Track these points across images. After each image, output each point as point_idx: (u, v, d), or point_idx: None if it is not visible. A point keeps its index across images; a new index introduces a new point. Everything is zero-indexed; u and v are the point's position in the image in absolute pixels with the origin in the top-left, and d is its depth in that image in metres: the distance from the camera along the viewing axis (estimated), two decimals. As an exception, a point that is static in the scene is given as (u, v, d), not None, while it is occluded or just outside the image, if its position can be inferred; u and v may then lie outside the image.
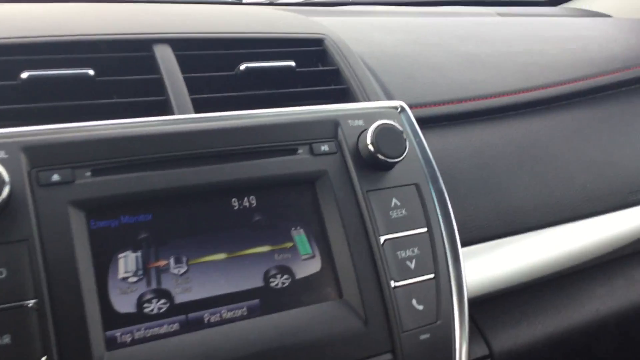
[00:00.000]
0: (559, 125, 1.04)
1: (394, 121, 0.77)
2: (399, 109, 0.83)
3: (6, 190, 0.57)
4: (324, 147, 0.76)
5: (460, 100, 0.96)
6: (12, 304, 0.57)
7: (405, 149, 0.76)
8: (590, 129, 1.07)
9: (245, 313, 0.68)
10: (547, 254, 0.95)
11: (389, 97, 0.92)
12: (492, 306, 0.94)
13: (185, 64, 0.79)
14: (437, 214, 0.79)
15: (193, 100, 0.76)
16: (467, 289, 0.78)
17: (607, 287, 1.06)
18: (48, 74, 0.72)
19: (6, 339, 0.56)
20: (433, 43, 1.08)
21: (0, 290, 0.57)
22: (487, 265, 0.90)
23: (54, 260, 0.60)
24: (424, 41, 1.08)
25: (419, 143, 0.82)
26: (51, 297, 0.59)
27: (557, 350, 0.98)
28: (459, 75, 1.00)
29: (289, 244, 0.72)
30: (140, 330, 0.63)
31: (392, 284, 0.73)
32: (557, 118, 1.05)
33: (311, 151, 0.75)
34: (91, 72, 0.74)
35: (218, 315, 0.67)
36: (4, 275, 0.57)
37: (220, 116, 0.72)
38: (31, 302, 0.57)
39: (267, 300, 0.69)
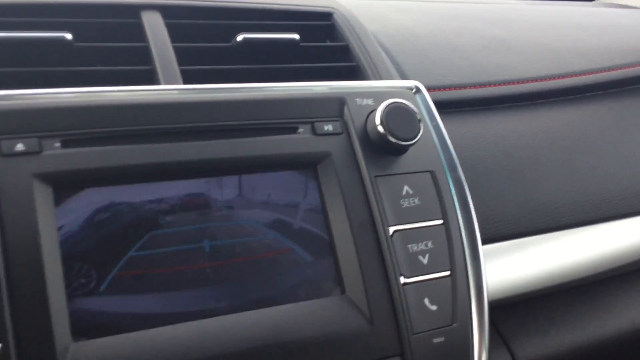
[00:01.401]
0: (594, 116, 0.95)
1: (406, 101, 0.69)
2: (414, 89, 0.76)
3: (-39, 159, 0.50)
4: (328, 127, 0.68)
5: (483, 85, 0.87)
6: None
7: (419, 131, 0.68)
8: (628, 121, 0.97)
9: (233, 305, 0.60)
10: (578, 256, 0.85)
11: (404, 78, 0.84)
12: (515, 312, 0.85)
13: (176, 33, 0.72)
14: (454, 205, 0.71)
15: (182, 72, 0.69)
16: (487, 290, 0.69)
17: (646, 295, 0.96)
18: (14, 36, 0.65)
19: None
20: (455, 25, 0.99)
21: None
22: (511, 265, 0.81)
23: (14, 240, 0.53)
24: (445, 23, 1.00)
25: (436, 127, 0.74)
26: (9, 279, 0.52)
27: (588, 363, 0.89)
28: (483, 59, 0.92)
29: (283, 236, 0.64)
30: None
31: (402, 280, 0.65)
32: (591, 108, 0.96)
33: (313, 130, 0.68)
34: (68, 36, 0.67)
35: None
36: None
37: (210, 88, 0.65)
38: (-16, 285, 0.51)
39: (258, 293, 0.61)
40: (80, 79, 0.66)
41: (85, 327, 0.54)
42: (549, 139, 0.89)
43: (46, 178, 0.56)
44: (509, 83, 0.89)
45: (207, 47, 0.74)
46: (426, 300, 0.66)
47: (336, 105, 0.69)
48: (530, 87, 0.91)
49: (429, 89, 0.77)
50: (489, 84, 0.88)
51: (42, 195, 0.55)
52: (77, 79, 0.65)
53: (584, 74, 0.96)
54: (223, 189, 0.63)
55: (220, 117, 0.64)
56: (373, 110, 0.69)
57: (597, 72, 0.98)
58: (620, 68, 0.99)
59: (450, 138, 0.74)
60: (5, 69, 0.65)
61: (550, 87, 0.93)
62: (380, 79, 0.79)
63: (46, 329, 0.52)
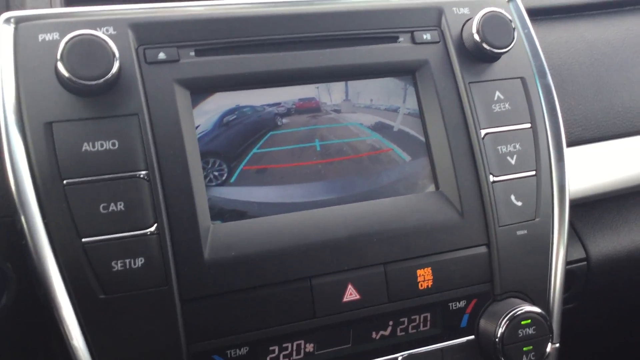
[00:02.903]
0: (683, 22, 0.96)
1: (502, 10, 0.73)
2: (508, -2, 0.79)
3: (116, 65, 0.59)
4: (427, 36, 0.73)
5: (573, -9, 0.90)
6: (125, 174, 0.59)
7: (513, 40, 0.72)
8: None
9: (340, 197, 0.69)
10: (657, 159, 0.90)
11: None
12: (591, 211, 0.91)
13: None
14: (542, 110, 0.76)
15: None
16: (568, 190, 0.75)
17: None
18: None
19: (120, 206, 0.59)
20: None
21: (114, 161, 0.59)
22: (592, 167, 0.86)
23: (162, 137, 0.62)
24: None
25: (528, 35, 0.78)
26: (160, 170, 0.61)
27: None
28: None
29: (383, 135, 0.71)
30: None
31: (491, 178, 0.71)
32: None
33: (413, 39, 0.73)
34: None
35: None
36: (116, 147, 0.59)
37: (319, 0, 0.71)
38: (142, 173, 0.60)
39: (362, 188, 0.69)
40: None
41: (220, 212, 0.64)
42: (636, 45, 0.91)
43: (185, 83, 0.64)
44: (598, -11, 0.91)
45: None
46: (512, 197, 0.72)
47: (434, 15, 0.74)
48: (618, -7, 0.93)
49: (520, -4, 0.80)
50: (579, -10, 0.90)
51: (182, 98, 0.63)
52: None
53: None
54: (331, 94, 0.70)
55: (329, 27, 0.70)
56: (469, 19, 0.73)
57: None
58: None
59: (540, 45, 0.78)
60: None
61: (640, -7, 0.94)
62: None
63: (191, 212, 0.61)
